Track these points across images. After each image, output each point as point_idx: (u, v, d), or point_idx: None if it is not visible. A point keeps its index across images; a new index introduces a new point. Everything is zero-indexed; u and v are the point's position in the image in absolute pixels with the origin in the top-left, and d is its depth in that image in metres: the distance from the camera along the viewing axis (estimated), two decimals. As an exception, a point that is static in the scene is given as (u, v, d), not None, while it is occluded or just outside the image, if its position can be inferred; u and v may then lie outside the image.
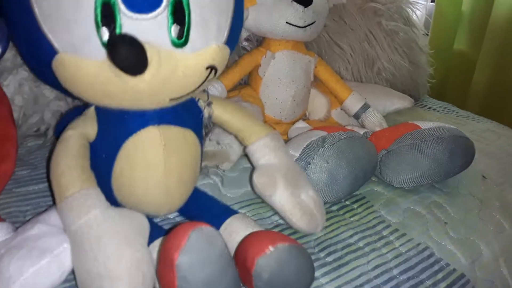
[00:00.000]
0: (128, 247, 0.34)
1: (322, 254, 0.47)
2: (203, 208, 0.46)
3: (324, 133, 0.54)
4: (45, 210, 0.42)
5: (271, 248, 0.36)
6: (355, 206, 0.55)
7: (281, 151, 0.48)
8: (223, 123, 0.49)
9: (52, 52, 0.34)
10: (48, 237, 0.38)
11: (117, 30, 0.33)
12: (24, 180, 0.54)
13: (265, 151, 0.48)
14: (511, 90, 1.30)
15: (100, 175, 0.40)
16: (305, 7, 0.62)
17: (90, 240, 0.34)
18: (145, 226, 0.38)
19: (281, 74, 0.67)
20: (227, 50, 0.39)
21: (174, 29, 0.34)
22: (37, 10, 0.33)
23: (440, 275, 0.47)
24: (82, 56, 0.33)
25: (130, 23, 0.33)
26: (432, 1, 1.54)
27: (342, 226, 0.51)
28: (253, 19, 0.64)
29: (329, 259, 0.46)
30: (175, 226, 0.35)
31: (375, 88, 0.87)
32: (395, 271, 0.46)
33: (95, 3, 0.32)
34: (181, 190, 0.44)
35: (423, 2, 1.50)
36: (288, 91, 0.68)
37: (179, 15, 0.34)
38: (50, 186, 0.41)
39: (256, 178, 0.46)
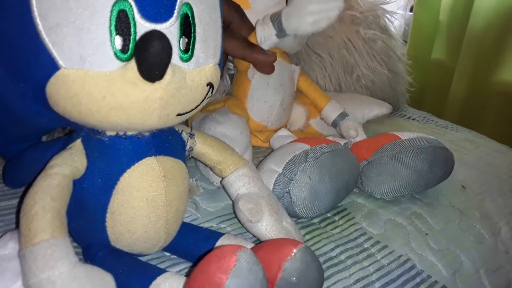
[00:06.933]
0: None
1: (303, 269, 0.46)
2: (187, 236, 0.44)
3: (307, 146, 0.53)
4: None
5: (294, 251, 0.35)
6: (336, 218, 0.55)
7: (259, 180, 0.48)
8: (202, 155, 0.47)
9: (52, 69, 0.31)
10: (22, 258, 0.36)
11: (132, 38, 0.31)
12: (-4, 195, 0.51)
13: (244, 180, 0.47)
14: (488, 98, 1.32)
15: (90, 214, 0.37)
16: None
17: None
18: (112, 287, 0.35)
19: (269, 78, 0.67)
20: (219, 71, 0.39)
21: (182, 42, 0.34)
22: (40, 21, 0.31)
23: (422, 288, 0.47)
24: (91, 68, 0.31)
25: (144, 32, 0.31)
26: (410, 11, 1.57)
27: (324, 239, 0.51)
28: None
29: (310, 273, 0.46)
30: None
31: (353, 96, 0.87)
32: (377, 285, 0.46)
33: (111, 9, 0.30)
34: (177, 223, 0.42)
35: (401, 12, 1.52)
36: (277, 95, 0.67)
37: (187, 29, 0.34)
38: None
39: (242, 205, 0.45)
